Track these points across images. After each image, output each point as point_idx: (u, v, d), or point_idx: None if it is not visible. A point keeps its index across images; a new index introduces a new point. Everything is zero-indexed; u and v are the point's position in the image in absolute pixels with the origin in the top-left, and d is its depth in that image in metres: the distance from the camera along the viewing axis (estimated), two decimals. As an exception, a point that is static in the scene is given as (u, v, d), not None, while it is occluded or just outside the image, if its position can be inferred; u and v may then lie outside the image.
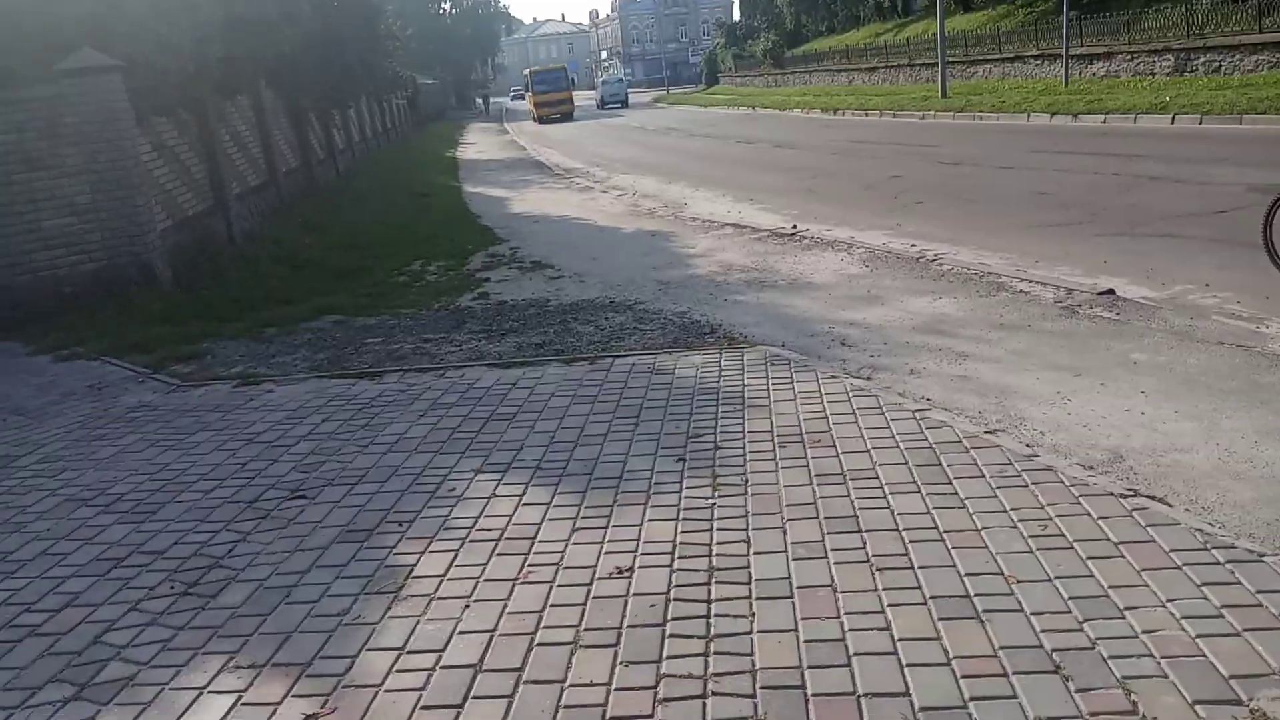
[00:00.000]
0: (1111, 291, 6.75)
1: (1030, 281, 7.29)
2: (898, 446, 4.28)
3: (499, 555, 3.59)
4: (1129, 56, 25.87)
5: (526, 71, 58.22)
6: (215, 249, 11.10)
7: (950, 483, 3.87)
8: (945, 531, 3.47)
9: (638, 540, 3.61)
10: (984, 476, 3.90)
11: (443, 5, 75.88)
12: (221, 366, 6.89)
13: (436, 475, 4.42)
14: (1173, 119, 17.58)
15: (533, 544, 3.65)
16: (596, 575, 3.37)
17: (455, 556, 3.60)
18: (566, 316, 7.53)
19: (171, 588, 3.56)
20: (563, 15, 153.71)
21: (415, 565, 3.56)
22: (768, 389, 5.20)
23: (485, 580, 3.41)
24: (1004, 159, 15.02)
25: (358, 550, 3.73)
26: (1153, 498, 3.66)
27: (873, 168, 15.90)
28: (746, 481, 4.05)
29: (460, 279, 9.59)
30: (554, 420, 5.02)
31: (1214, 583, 3.00)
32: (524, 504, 4.02)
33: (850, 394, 5.02)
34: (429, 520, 3.94)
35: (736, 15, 79.95)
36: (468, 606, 3.24)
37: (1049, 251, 8.32)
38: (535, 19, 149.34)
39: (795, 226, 10.87)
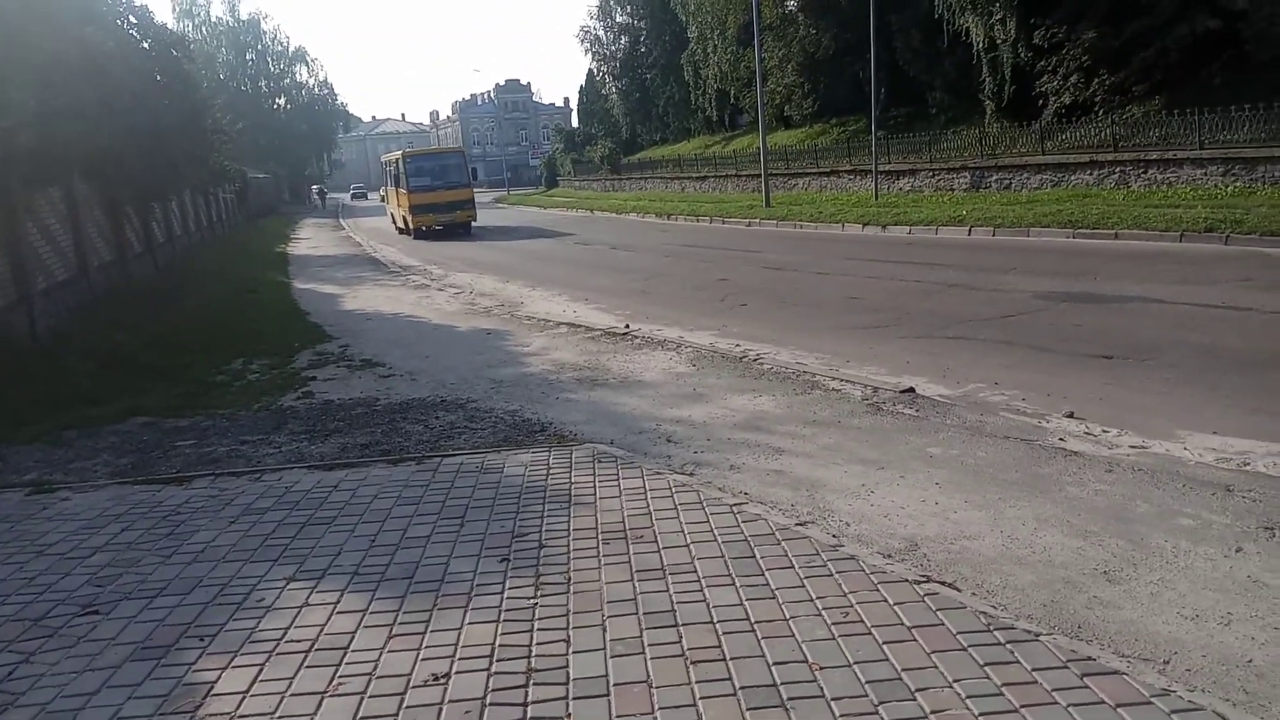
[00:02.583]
0: (912, 390, 7.27)
1: (842, 380, 7.75)
2: (716, 540, 4.43)
3: (308, 667, 3.45)
4: (931, 173, 28.34)
5: (392, 156, 36.09)
6: (16, 347, 10.34)
7: (763, 574, 4.03)
8: (756, 622, 3.61)
9: (456, 644, 3.56)
10: (794, 567, 4.08)
11: (277, 100, 74.72)
12: (13, 473, 6.39)
13: (245, 585, 4.23)
14: (969, 231, 19.27)
15: (345, 654, 3.54)
16: (411, 683, 3.30)
17: (260, 671, 3.44)
18: (395, 416, 7.43)
19: (-66, 720, 3.24)
20: (403, 115, 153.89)
21: (216, 682, 3.38)
22: (594, 486, 5.29)
23: (291, 695, 3.27)
24: (821, 265, 16.01)
25: (153, 668, 3.51)
26: (943, 583, 3.93)
27: (702, 270, 16.59)
28: (569, 579, 4.08)
29: (284, 378, 9.31)
30: (376, 523, 4.92)
31: (995, 662, 3.24)
32: (338, 612, 3.90)
33: (673, 489, 5.17)
34: (233, 633, 3.76)
35: (575, 122, 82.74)
36: (272, 723, 3.10)
37: (859, 352, 8.90)
38: (374, 117, 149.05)
39: (628, 326, 11.17)
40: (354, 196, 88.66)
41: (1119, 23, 23.38)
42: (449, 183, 31.76)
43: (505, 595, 3.96)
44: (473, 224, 32.05)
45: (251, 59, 72.02)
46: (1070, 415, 6.40)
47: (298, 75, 76.10)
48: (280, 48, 74.16)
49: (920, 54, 32.16)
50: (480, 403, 7.74)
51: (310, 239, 35.62)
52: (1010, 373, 7.69)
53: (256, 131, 58.23)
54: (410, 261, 23.32)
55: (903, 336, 9.47)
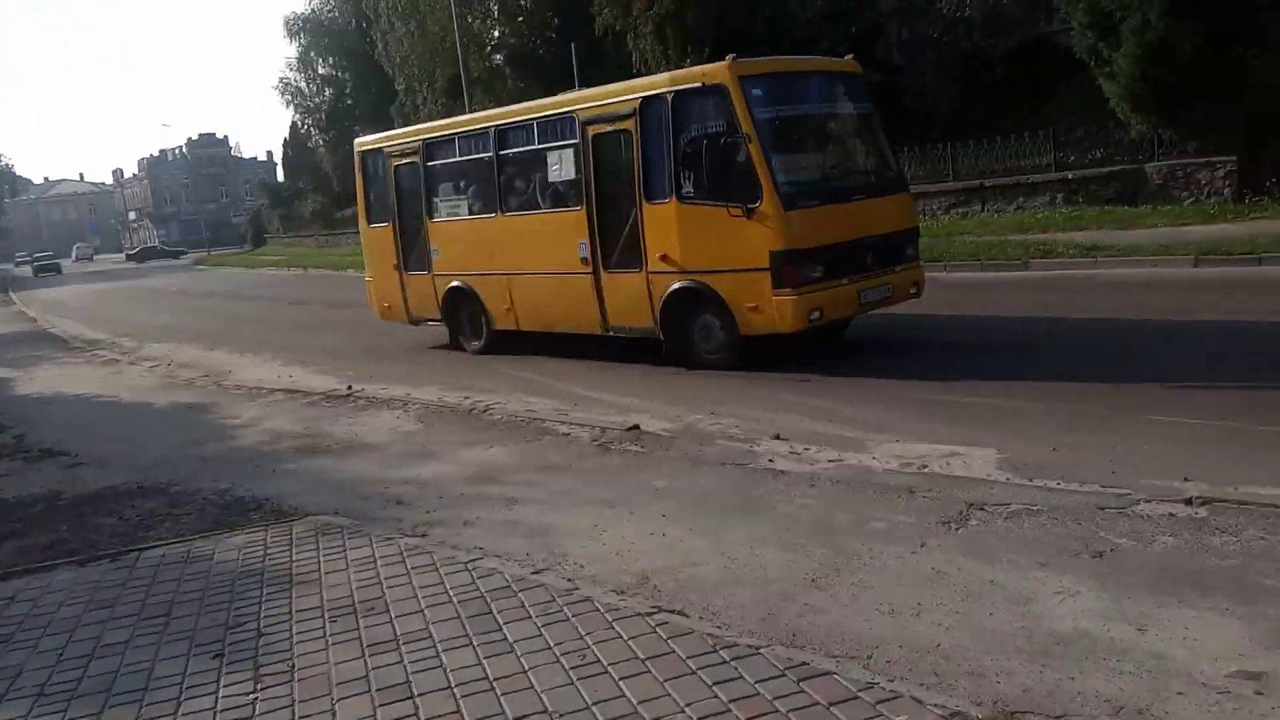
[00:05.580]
0: (637, 427, 7.53)
1: (571, 424, 7.89)
2: (451, 601, 4.34)
3: (-19, 815, 3.00)
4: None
5: (571, 99, 10.48)
6: None
7: (500, 629, 4.00)
8: (495, 679, 3.56)
9: (165, 757, 3.23)
10: (530, 617, 4.08)
11: (-75, 162, 65.40)
12: None
13: (-106, 730, 3.61)
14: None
15: (28, 791, 3.11)
16: (112, 810, 2.95)
17: (-83, 830, 2.94)
18: (83, 509, 6.67)
19: None
20: (81, 174, 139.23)
21: None
22: (319, 561, 5.03)
23: None
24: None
25: None
26: (673, 611, 4.08)
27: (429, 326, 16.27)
28: (294, 666, 3.84)
29: (-58, 480, 8.07)
30: (63, 634, 4.38)
31: (722, 680, 3.41)
32: (19, 743, 3.42)
33: (405, 554, 5.01)
34: (-120, 791, 3.19)
35: (281, 176, 78.82)
36: None
37: (588, 394, 9.10)
38: (47, 178, 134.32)
39: (350, 387, 10.73)
40: (40, 270, 64.97)
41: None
42: (871, 179, 9.98)
43: (220, 695, 3.65)
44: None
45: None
46: (777, 437, 6.89)
47: (-55, 133, 67.13)
48: (-79, 102, 65.14)
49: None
50: (184, 485, 7.12)
51: (-29, 317, 31.27)
52: (723, 404, 8.14)
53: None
54: (96, 335, 21.06)
55: (630, 374, 9.79)
